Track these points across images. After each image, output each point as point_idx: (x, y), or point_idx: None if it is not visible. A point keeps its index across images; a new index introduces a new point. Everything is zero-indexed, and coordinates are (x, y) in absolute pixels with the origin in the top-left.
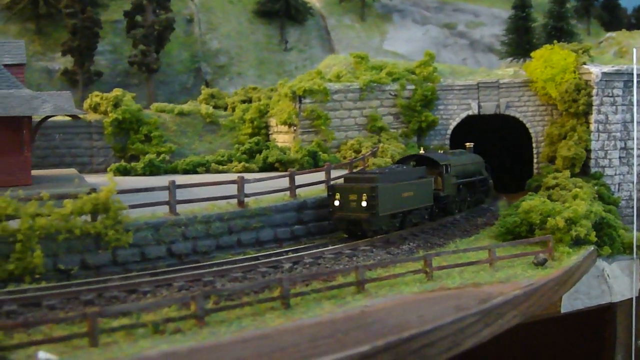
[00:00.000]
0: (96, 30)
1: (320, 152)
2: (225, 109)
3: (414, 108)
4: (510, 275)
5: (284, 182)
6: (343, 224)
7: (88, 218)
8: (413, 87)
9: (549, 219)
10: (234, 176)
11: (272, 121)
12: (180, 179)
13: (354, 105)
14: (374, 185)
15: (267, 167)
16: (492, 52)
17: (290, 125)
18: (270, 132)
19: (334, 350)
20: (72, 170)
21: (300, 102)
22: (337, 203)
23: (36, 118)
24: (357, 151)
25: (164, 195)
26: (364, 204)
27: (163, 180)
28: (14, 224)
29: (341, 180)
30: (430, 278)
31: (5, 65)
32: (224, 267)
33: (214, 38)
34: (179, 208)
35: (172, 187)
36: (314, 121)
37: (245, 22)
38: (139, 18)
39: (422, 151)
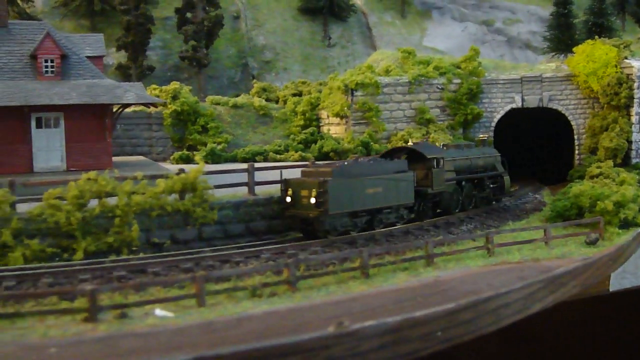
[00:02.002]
0: (149, 27)
1: (372, 143)
2: (277, 101)
3: (460, 101)
4: (565, 252)
5: None
6: (296, 222)
7: (177, 197)
8: (459, 81)
9: (598, 202)
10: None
11: (323, 113)
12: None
13: (402, 98)
14: (324, 180)
15: (322, 156)
16: (529, 48)
17: (342, 117)
18: (321, 124)
19: (420, 308)
20: (141, 158)
21: (352, 95)
22: (288, 199)
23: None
24: (407, 142)
25: (241, 177)
26: (312, 200)
27: (228, 167)
28: (112, 201)
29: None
30: (492, 254)
31: (87, 57)
32: (305, 242)
33: (260, 34)
34: (257, 189)
35: (252, 170)
36: (366, 113)
37: (289, 18)
38: (189, 15)
39: (410, 143)
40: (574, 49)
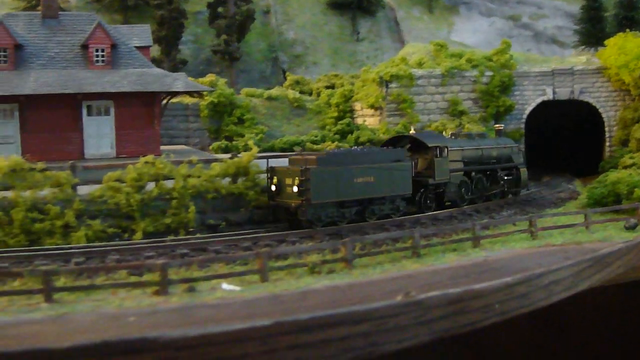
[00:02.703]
0: (182, 21)
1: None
2: (310, 94)
3: (492, 93)
4: (606, 236)
5: None
6: (280, 212)
7: (230, 180)
8: (491, 73)
9: (635, 189)
10: None
11: (357, 105)
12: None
13: (436, 90)
14: (306, 168)
15: (358, 146)
16: (555, 43)
17: (376, 108)
18: (354, 116)
19: (476, 283)
20: (183, 146)
21: (387, 86)
22: (273, 188)
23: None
24: (441, 132)
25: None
26: (294, 189)
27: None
28: (169, 184)
29: None
30: (536, 237)
31: (135, 47)
32: (359, 224)
33: (290, 29)
34: None
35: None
36: (400, 104)
37: (319, 13)
38: (221, 9)
39: (412, 131)
40: (605, 42)
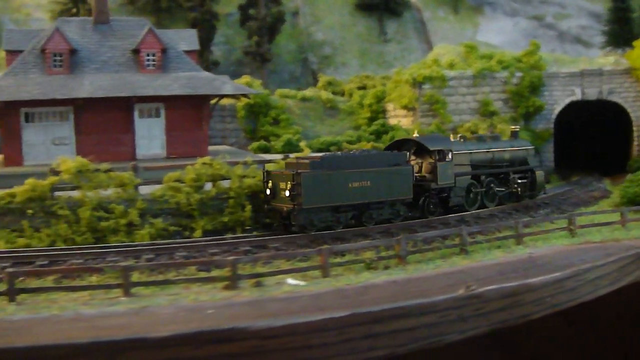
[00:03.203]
0: (214, 23)
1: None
2: (342, 95)
3: (522, 94)
4: None
5: None
6: (276, 216)
7: None
8: (521, 74)
9: None
10: None
11: (389, 106)
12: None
13: (467, 91)
14: (297, 172)
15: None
16: (579, 43)
17: (409, 109)
18: (387, 116)
19: (525, 278)
20: (225, 146)
21: (420, 88)
22: (268, 192)
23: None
24: (474, 132)
25: None
26: (286, 193)
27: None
28: (225, 184)
29: None
30: (575, 234)
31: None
32: (408, 222)
33: (319, 30)
34: None
35: None
36: (433, 105)
37: (347, 15)
38: (252, 11)
39: (416, 134)
40: (634, 43)
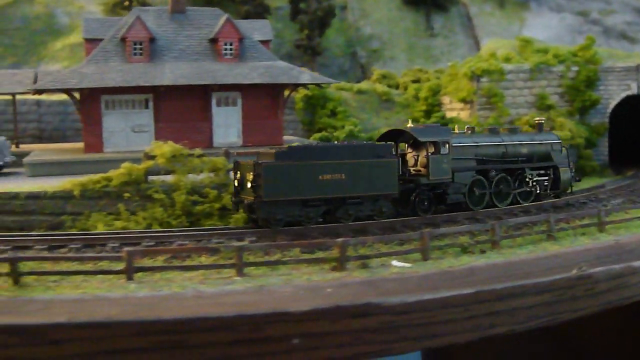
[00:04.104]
0: (265, 16)
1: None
2: (397, 88)
3: (578, 88)
4: None
5: None
6: (244, 208)
7: None
8: (577, 68)
9: None
10: None
11: (445, 99)
12: None
13: (524, 85)
14: (259, 162)
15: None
16: (625, 39)
17: (466, 102)
18: (442, 109)
19: (620, 262)
20: (295, 137)
21: (478, 81)
22: (236, 183)
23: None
24: (532, 126)
25: None
26: (248, 185)
27: None
28: None
29: None
30: None
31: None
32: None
33: (367, 24)
34: None
35: None
36: (491, 99)
37: (394, 9)
38: (302, 5)
39: (410, 125)
40: None
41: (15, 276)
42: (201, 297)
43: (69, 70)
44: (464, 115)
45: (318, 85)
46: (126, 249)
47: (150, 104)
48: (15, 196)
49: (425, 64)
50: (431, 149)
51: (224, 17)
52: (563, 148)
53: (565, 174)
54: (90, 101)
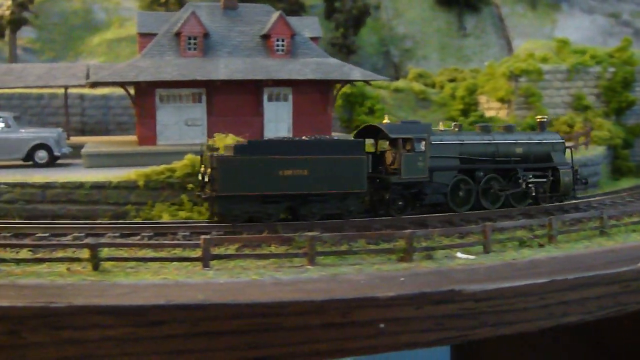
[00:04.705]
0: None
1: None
2: (433, 86)
3: (614, 89)
4: None
5: None
6: (207, 202)
7: None
8: (613, 69)
9: None
10: None
11: (482, 98)
12: None
13: (561, 85)
14: (215, 155)
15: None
16: None
17: (504, 101)
18: (479, 108)
19: None
20: (341, 134)
21: (516, 80)
22: (199, 176)
23: None
24: (570, 125)
25: None
26: (206, 178)
27: None
28: None
29: None
30: None
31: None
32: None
33: (400, 24)
34: None
35: None
36: (529, 98)
37: (427, 9)
38: (337, 4)
39: (386, 120)
40: None
41: (96, 262)
42: (280, 284)
43: (125, 63)
44: (501, 114)
45: (367, 82)
46: (203, 236)
47: (204, 98)
48: (80, 186)
49: (457, 64)
50: (408, 147)
51: (277, 13)
52: (567, 149)
53: (566, 176)
54: (146, 95)
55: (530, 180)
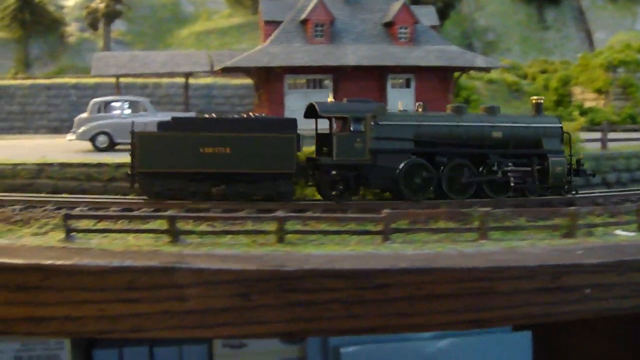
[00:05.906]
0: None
1: (636, 116)
2: (525, 78)
3: None
4: None
5: None
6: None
7: None
8: None
9: None
10: None
11: (577, 89)
12: None
13: None
14: (133, 131)
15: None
16: None
17: (601, 92)
18: (572, 100)
19: None
20: None
21: (614, 71)
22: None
23: None
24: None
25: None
26: (130, 156)
27: None
28: None
29: None
30: None
31: None
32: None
33: (482, 17)
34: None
35: (606, 129)
36: (627, 89)
37: (507, 2)
38: None
39: (330, 99)
40: None
41: (282, 234)
42: (466, 256)
43: (256, 50)
44: (597, 105)
45: (486, 70)
46: (386, 210)
47: (329, 84)
48: None
49: (538, 56)
50: (346, 127)
51: (400, 1)
52: (565, 134)
53: (557, 165)
54: (275, 81)
55: (509, 168)
